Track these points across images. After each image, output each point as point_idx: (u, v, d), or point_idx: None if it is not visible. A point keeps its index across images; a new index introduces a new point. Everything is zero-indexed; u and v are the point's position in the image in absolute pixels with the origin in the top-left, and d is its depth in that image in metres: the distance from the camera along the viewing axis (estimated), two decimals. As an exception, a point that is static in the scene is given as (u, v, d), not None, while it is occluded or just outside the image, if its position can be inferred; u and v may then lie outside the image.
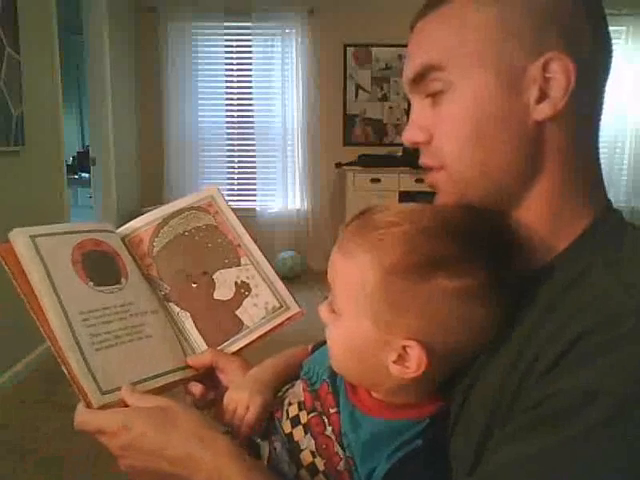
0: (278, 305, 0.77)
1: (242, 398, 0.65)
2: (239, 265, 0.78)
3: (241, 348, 0.75)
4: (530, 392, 0.46)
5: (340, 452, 0.58)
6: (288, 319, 0.77)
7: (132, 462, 0.57)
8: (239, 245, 0.80)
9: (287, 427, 0.62)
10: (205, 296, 0.76)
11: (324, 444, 0.59)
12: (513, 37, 0.49)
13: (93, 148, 3.97)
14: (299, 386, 0.66)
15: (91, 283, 0.67)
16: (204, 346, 0.73)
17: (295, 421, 0.62)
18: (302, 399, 0.63)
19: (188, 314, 0.74)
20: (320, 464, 0.59)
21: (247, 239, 0.81)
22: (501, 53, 0.50)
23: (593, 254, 0.50)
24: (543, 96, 0.50)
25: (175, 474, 0.55)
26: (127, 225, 0.78)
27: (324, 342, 0.67)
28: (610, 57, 0.53)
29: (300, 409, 0.63)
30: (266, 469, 0.57)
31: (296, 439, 0.61)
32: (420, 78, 0.54)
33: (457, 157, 0.53)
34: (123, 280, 0.70)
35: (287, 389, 0.68)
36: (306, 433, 0.61)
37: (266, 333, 0.76)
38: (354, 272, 0.53)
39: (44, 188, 2.97)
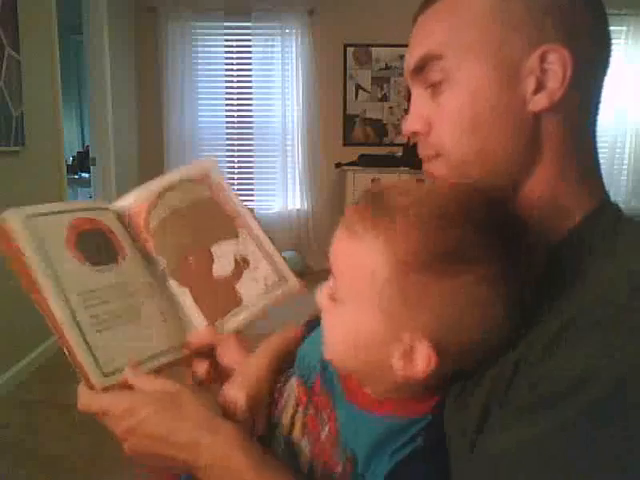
0: (277, 279, 0.76)
1: (228, 394, 0.63)
2: (237, 237, 0.77)
3: (241, 324, 0.73)
4: (526, 374, 0.46)
5: (336, 455, 0.55)
6: (288, 294, 0.76)
7: (136, 446, 0.57)
8: (236, 218, 0.78)
9: (285, 428, 0.61)
10: (204, 271, 0.75)
11: (321, 446, 0.57)
12: (511, 29, 0.50)
13: (93, 148, 3.97)
14: (293, 380, 0.63)
15: (87, 263, 0.65)
16: (204, 322, 0.72)
17: (292, 421, 0.60)
18: (297, 396, 0.61)
19: (187, 290, 0.73)
20: (318, 466, 0.57)
21: (245, 211, 0.79)
22: (499, 44, 0.50)
23: (592, 243, 0.51)
24: (540, 87, 0.50)
25: (180, 459, 0.55)
26: (121, 200, 0.76)
27: (317, 319, 0.65)
28: (609, 51, 0.53)
29: (296, 408, 0.61)
30: (275, 460, 0.56)
31: (294, 440, 0.60)
32: (420, 69, 0.54)
33: (455, 145, 0.53)
34: (119, 258, 0.69)
35: (283, 383, 0.65)
36: (303, 434, 0.59)
37: (266, 308, 0.74)
38: (363, 258, 0.48)
39: (44, 188, 2.97)
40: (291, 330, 0.72)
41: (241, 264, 0.76)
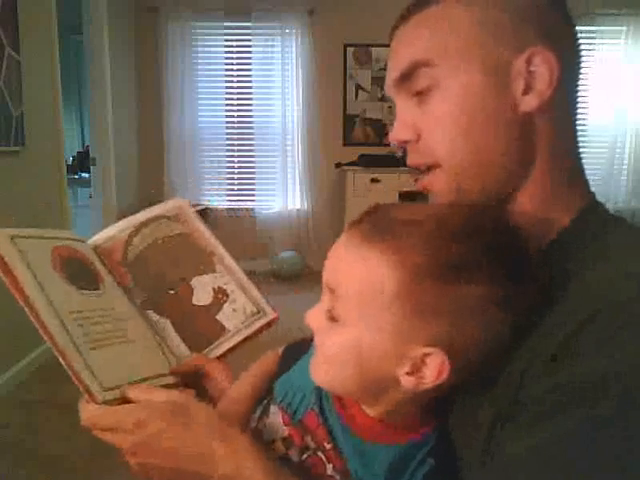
0: (255, 310, 0.77)
1: None
2: (214, 272, 0.78)
3: (224, 353, 0.74)
4: (534, 382, 0.46)
5: None
6: (266, 325, 0.77)
7: (146, 460, 0.54)
8: (212, 253, 0.79)
9: None
10: (184, 302, 0.76)
11: None
12: (496, 35, 0.51)
13: (93, 148, 3.97)
14: (277, 417, 0.58)
15: (73, 286, 0.65)
16: (187, 352, 0.73)
17: (284, 462, 0.55)
18: (286, 434, 0.57)
19: (168, 321, 0.74)
20: None
21: (219, 247, 0.80)
22: (486, 50, 0.51)
23: (583, 244, 0.51)
24: (528, 88, 0.51)
25: (193, 471, 0.53)
26: (98, 235, 0.77)
27: (296, 344, 0.64)
28: (581, 55, 0.55)
29: (287, 447, 0.56)
30: (289, 471, 0.53)
31: None
32: (407, 76, 0.55)
33: (449, 152, 0.53)
34: (101, 286, 0.69)
35: (259, 417, 0.61)
36: (302, 473, 0.54)
37: (247, 338, 0.76)
38: (370, 276, 0.48)
39: (44, 188, 2.97)
40: (271, 356, 0.71)
41: (220, 296, 0.77)
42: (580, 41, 0.55)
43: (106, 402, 0.58)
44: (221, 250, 0.80)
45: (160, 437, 0.54)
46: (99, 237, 0.77)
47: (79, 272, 0.68)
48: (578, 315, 0.44)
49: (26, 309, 0.59)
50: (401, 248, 0.47)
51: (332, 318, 0.51)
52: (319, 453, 0.55)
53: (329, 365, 0.52)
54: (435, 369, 0.47)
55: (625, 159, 4.67)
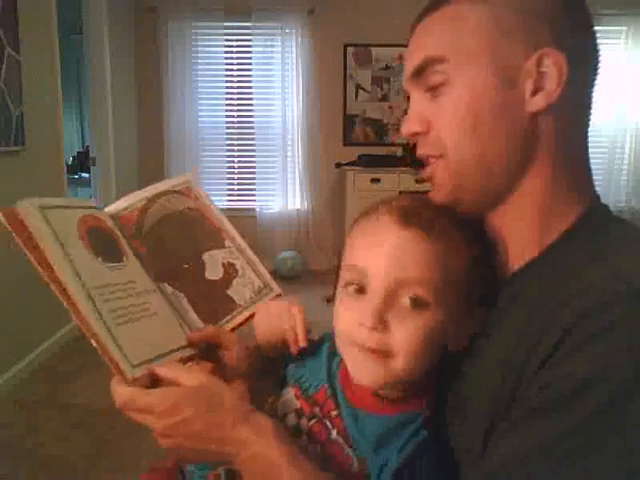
0: (262, 286, 0.80)
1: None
2: (224, 247, 0.80)
3: (235, 327, 0.76)
4: (529, 383, 0.46)
5: (351, 453, 0.58)
6: (272, 300, 0.79)
7: (178, 441, 0.57)
8: (221, 228, 0.82)
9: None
10: (197, 276, 0.77)
11: (331, 449, 0.59)
12: (508, 36, 0.52)
13: (93, 148, 3.97)
14: (290, 394, 0.65)
15: (99, 259, 0.66)
16: (201, 325, 0.74)
17: (296, 430, 0.62)
18: (298, 406, 0.63)
19: (182, 294, 0.75)
20: (332, 466, 0.58)
21: (227, 223, 0.83)
22: (497, 50, 0.52)
23: (582, 246, 0.52)
24: (537, 89, 0.52)
25: (222, 453, 0.56)
26: (113, 205, 0.78)
27: (311, 346, 0.67)
28: (598, 56, 0.55)
29: (299, 417, 0.62)
30: (309, 455, 0.57)
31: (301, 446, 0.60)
32: (421, 71, 0.56)
33: (455, 146, 0.55)
34: (124, 258, 0.70)
35: (274, 400, 0.67)
36: (310, 442, 0.60)
37: (254, 313, 0.77)
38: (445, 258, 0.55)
39: (44, 188, 2.97)
40: (293, 302, 0.73)
41: (230, 271, 0.79)
42: (597, 44, 0.55)
43: (135, 380, 0.59)
44: (228, 226, 0.82)
45: (191, 421, 0.56)
46: (113, 208, 0.77)
47: (103, 243, 0.69)
48: (568, 317, 0.45)
49: (52, 285, 0.59)
50: (445, 232, 0.55)
51: (382, 321, 0.54)
52: (325, 420, 0.60)
53: (407, 360, 0.54)
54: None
55: (625, 159, 4.67)
